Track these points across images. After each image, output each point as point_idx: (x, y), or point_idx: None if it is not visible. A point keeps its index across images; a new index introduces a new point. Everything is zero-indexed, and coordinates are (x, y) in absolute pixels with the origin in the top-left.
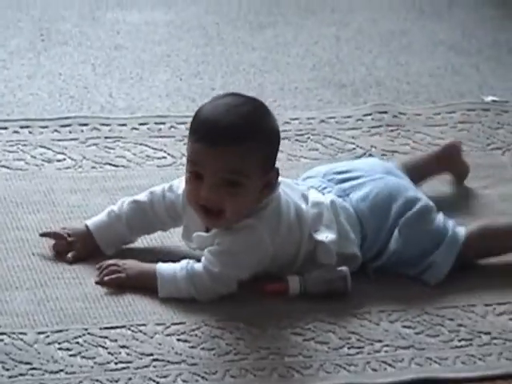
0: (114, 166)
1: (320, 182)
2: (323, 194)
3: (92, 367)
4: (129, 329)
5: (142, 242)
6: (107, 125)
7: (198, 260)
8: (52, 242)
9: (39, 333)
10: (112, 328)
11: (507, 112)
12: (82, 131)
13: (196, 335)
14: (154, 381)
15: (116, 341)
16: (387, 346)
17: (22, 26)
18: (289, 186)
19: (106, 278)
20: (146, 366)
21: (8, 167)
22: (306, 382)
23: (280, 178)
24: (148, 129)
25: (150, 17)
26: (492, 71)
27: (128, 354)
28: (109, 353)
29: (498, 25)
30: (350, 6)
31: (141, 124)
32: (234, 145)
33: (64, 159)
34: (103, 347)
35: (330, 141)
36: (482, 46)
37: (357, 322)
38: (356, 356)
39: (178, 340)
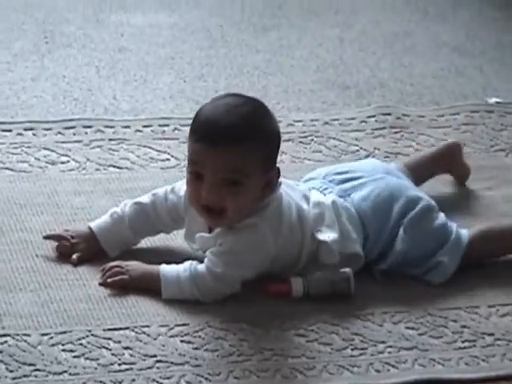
0: (117, 168)
1: (321, 183)
2: (324, 195)
3: (96, 368)
4: (132, 330)
5: (146, 243)
6: (111, 127)
7: (201, 261)
8: (55, 244)
9: (43, 334)
10: (116, 329)
11: (511, 114)
12: (86, 133)
13: (199, 336)
14: (157, 382)
15: (120, 342)
16: (390, 347)
17: (26, 29)
18: (290, 187)
19: (109, 280)
20: (149, 368)
21: (12, 169)
22: (309, 383)
23: (281, 179)
24: (152, 131)
25: (153, 19)
26: (496, 73)
27: (131, 356)
28: (112, 354)
29: (502, 26)
30: (354, 7)
31: (145, 126)
32: (234, 144)
33: (68, 161)
34: (107, 348)
35: (333, 143)
36: (485, 48)
37: (360, 323)
38: (359, 357)
39: (182, 341)
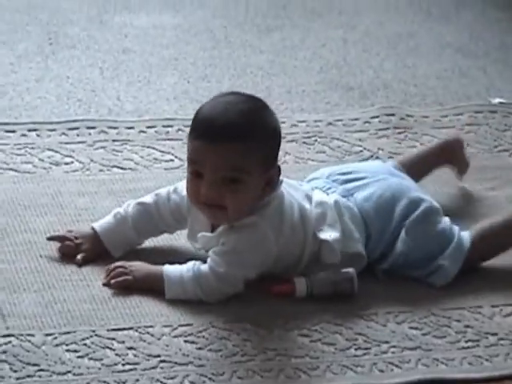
0: (121, 168)
1: (324, 182)
2: (327, 195)
3: (99, 368)
4: (136, 330)
5: (149, 243)
6: (115, 128)
7: (205, 261)
8: (59, 244)
9: (47, 334)
10: (119, 330)
11: None
12: (90, 134)
13: (203, 337)
14: (161, 382)
15: (123, 342)
16: (394, 347)
17: (30, 30)
18: (293, 187)
19: (113, 281)
20: (153, 368)
21: (16, 170)
22: (312, 383)
23: (284, 179)
24: (155, 132)
25: (157, 20)
26: (499, 73)
27: (135, 356)
28: (116, 354)
29: (506, 27)
30: (357, 8)
31: (148, 127)
32: (234, 142)
33: (72, 162)
34: (111, 349)
35: (337, 143)
36: (489, 49)
37: (364, 323)
38: (363, 357)
39: (186, 341)
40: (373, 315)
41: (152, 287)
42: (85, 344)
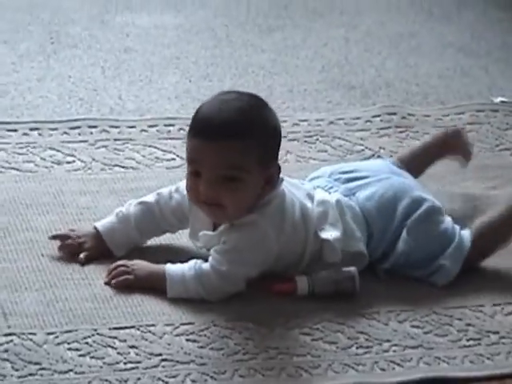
0: (123, 167)
1: (326, 181)
2: (329, 194)
3: (101, 367)
4: (138, 329)
5: (152, 242)
6: (116, 127)
7: (206, 260)
8: (61, 243)
9: (48, 333)
10: (121, 328)
11: None
12: (92, 133)
13: (205, 335)
14: (163, 381)
15: (125, 341)
16: (396, 345)
17: (31, 29)
18: (294, 186)
19: (114, 282)
20: (154, 366)
21: (18, 169)
22: (314, 381)
23: (285, 178)
24: (157, 131)
25: (159, 20)
26: (501, 73)
27: (137, 354)
28: (118, 353)
29: (507, 27)
30: (359, 8)
31: (150, 126)
32: (230, 139)
33: (73, 161)
34: (112, 347)
35: (338, 142)
36: (490, 48)
37: (365, 321)
38: (364, 356)
39: (187, 340)
40: (374, 314)
41: (154, 286)
42: (86, 343)
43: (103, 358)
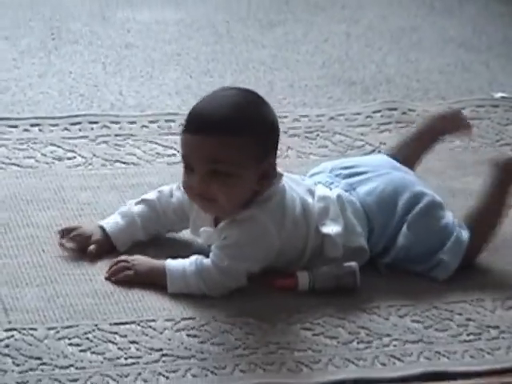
0: (123, 163)
1: (327, 177)
2: (330, 189)
3: (102, 362)
4: (138, 324)
5: (153, 237)
6: (117, 123)
7: (207, 255)
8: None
9: (49, 328)
10: (122, 324)
11: None
12: (92, 129)
13: (205, 330)
14: (163, 376)
15: (126, 336)
16: (396, 340)
17: (32, 26)
18: (295, 181)
19: (114, 278)
20: (155, 361)
21: (18, 165)
22: (315, 376)
23: (285, 173)
24: (158, 126)
25: (160, 16)
26: (502, 68)
27: (138, 350)
28: (118, 348)
29: (508, 22)
30: (360, 2)
31: (151, 122)
32: (221, 133)
33: (74, 157)
34: (113, 343)
35: (339, 138)
36: (492, 43)
37: (366, 316)
38: (365, 350)
39: (188, 335)
40: (375, 309)
41: (154, 281)
42: (87, 338)
43: (104, 353)
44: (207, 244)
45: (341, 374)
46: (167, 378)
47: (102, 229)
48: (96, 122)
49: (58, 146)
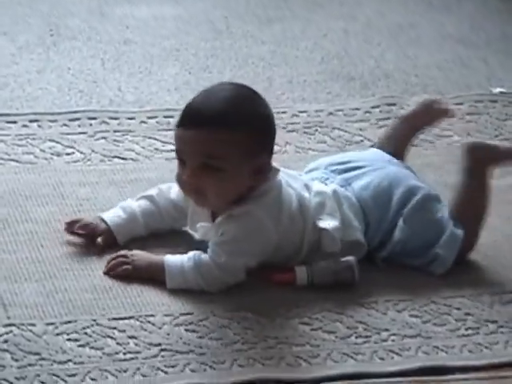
0: (122, 159)
1: (322, 173)
2: (326, 185)
3: (100, 357)
4: (137, 319)
5: (152, 232)
6: (116, 118)
7: (206, 251)
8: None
9: (48, 324)
10: (120, 319)
11: None
12: (91, 125)
13: (204, 325)
14: (162, 370)
15: (124, 331)
16: (394, 334)
17: (31, 22)
18: (291, 177)
19: (112, 273)
20: (154, 356)
21: (17, 161)
22: (313, 370)
23: (282, 169)
24: (157, 122)
25: (158, 11)
26: (500, 63)
27: (136, 345)
28: (117, 343)
29: (507, 18)
30: None
31: (149, 117)
32: (211, 127)
33: (73, 153)
34: (112, 338)
35: (338, 133)
36: (490, 39)
37: (364, 311)
38: (363, 345)
39: (186, 330)
40: (373, 303)
41: (153, 277)
42: (86, 333)
43: (102, 348)
44: (205, 239)
45: (339, 368)
46: (166, 372)
47: (104, 221)
48: (95, 118)
49: (57, 142)
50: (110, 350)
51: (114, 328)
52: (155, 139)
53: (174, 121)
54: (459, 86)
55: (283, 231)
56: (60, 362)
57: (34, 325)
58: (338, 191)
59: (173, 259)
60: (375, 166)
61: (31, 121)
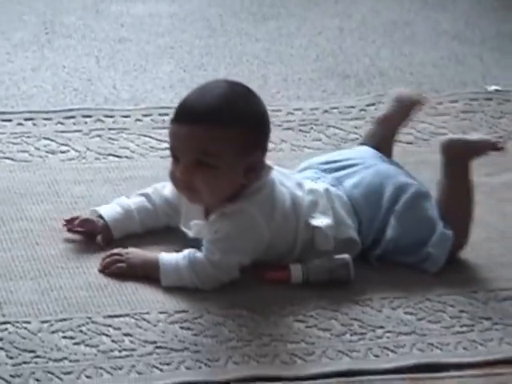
0: (117, 157)
1: (314, 172)
2: (317, 184)
3: (96, 355)
4: (132, 317)
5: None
6: (111, 116)
7: (200, 249)
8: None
9: (43, 321)
10: (115, 316)
11: (510, 101)
12: (86, 123)
13: (199, 323)
14: (157, 368)
15: (119, 329)
16: (389, 332)
17: (25, 19)
18: (284, 175)
19: (107, 271)
20: (149, 354)
21: (12, 159)
22: (308, 368)
23: (275, 167)
24: (152, 120)
25: (153, 9)
26: (495, 61)
27: (131, 342)
28: (112, 341)
29: (502, 15)
30: None
31: (144, 115)
32: (204, 124)
33: (68, 151)
34: (107, 335)
35: (333, 131)
36: (485, 36)
37: (359, 308)
38: (358, 342)
39: (181, 328)
40: (368, 301)
41: (147, 274)
42: (81, 331)
43: (98, 345)
44: (198, 237)
45: (334, 365)
46: (161, 370)
47: (101, 217)
48: (90, 116)
49: (52, 140)
50: (105, 348)
51: (109, 325)
52: (150, 137)
53: (168, 119)
54: (454, 83)
55: (276, 229)
56: (55, 360)
57: (29, 322)
58: (329, 190)
59: (167, 257)
60: (366, 164)
61: (26, 119)
